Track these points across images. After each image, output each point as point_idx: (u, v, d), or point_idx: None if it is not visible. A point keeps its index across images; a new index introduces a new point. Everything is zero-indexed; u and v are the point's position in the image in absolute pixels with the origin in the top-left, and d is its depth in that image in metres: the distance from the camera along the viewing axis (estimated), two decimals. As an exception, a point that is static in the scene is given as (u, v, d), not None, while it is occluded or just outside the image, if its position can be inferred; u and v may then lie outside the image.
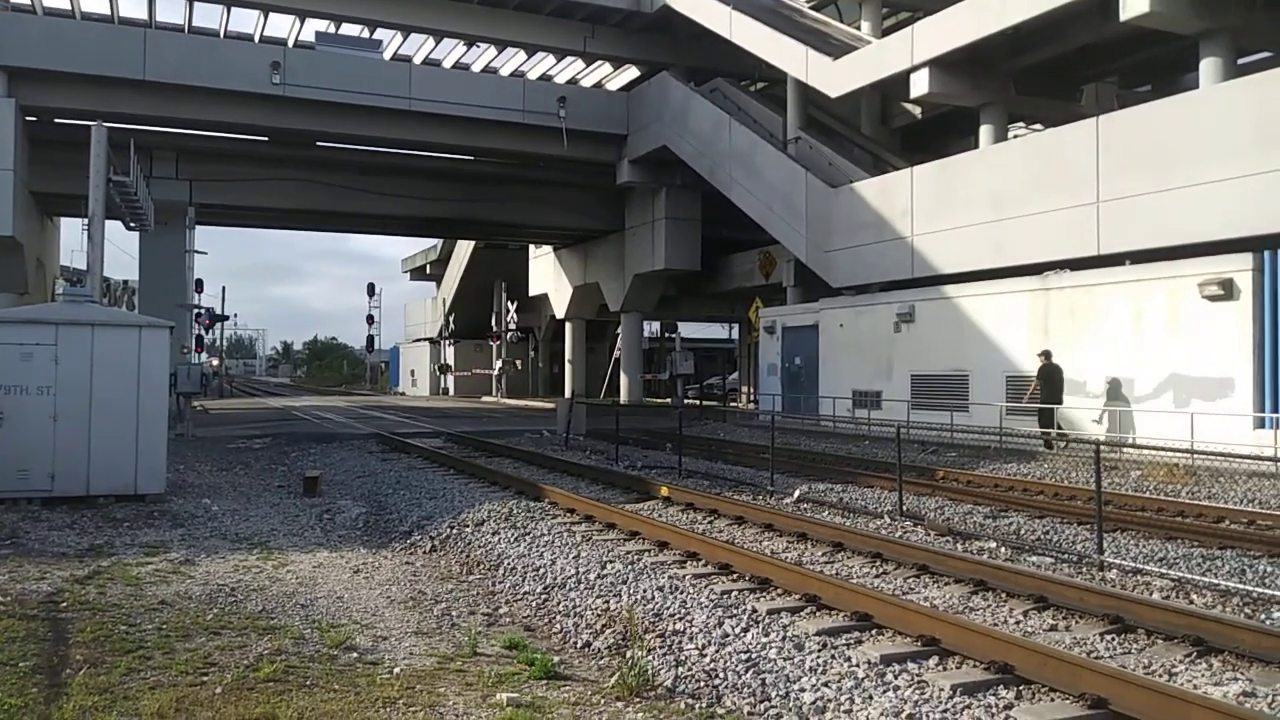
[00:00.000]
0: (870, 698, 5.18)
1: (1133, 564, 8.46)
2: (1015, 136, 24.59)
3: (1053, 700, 5.09)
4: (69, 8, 29.81)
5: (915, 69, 22.63)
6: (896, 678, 5.46)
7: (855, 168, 26.15)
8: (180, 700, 5.02)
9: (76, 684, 5.24)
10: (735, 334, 52.16)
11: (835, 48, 25.96)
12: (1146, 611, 6.57)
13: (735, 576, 7.93)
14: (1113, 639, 6.29)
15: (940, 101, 24.20)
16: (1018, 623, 6.74)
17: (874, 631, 6.35)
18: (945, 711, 4.97)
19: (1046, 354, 18.45)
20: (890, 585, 7.84)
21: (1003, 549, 9.43)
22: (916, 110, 28.68)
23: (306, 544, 10.02)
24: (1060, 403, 18.12)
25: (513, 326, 50.68)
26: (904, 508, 11.42)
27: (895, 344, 23.20)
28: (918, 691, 5.25)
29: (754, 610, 6.84)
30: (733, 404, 40.23)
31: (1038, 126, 26.60)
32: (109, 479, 11.84)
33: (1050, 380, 18.25)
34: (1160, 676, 5.52)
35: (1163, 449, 12.21)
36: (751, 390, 38.87)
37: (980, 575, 7.75)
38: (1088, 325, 18.45)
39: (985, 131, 22.82)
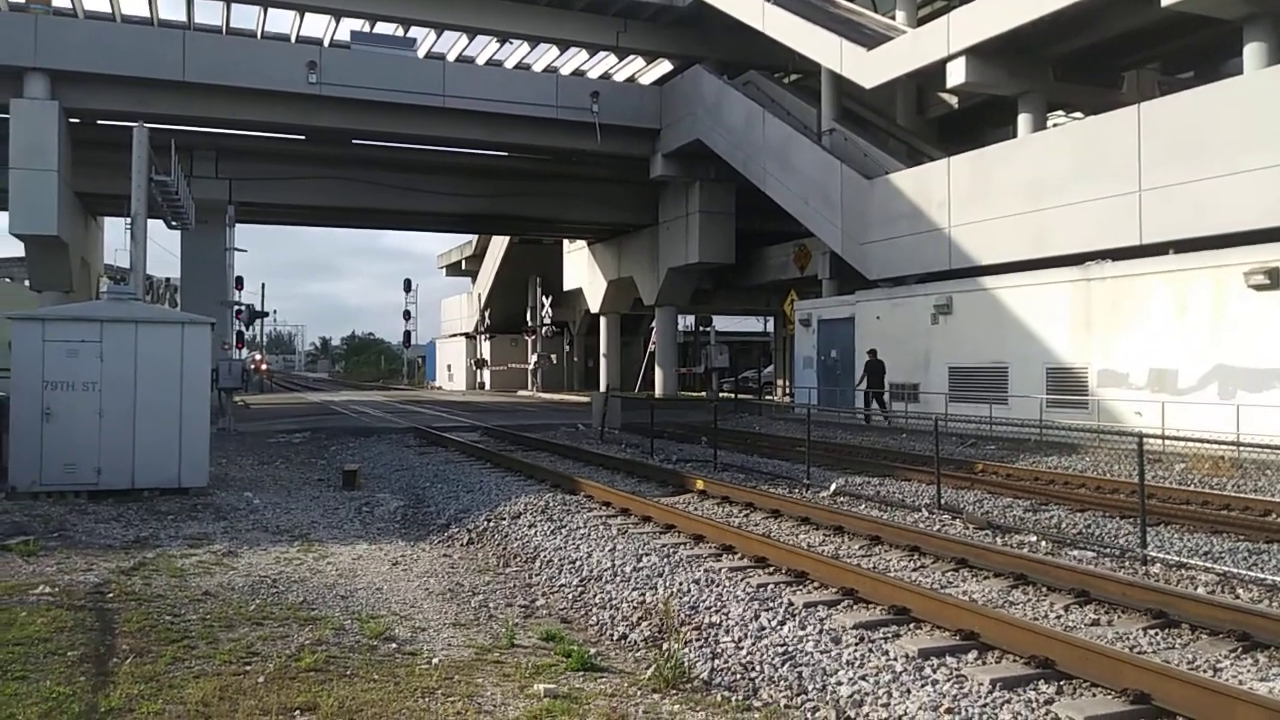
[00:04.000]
0: (908, 691, 5.14)
1: (1177, 558, 8.32)
2: (1054, 125, 24.21)
3: (1094, 695, 5.02)
4: (109, 11, 30.28)
5: (951, 58, 22.34)
6: (935, 672, 5.41)
7: (891, 159, 25.90)
8: (224, 689, 5.11)
9: (123, 673, 5.36)
10: (770, 327, 51.93)
11: (869, 38, 25.71)
12: (1191, 606, 6.46)
13: (771, 569, 7.90)
14: (1156, 634, 6.20)
15: (977, 91, 23.90)
16: (1059, 617, 6.66)
17: (912, 625, 6.30)
18: (985, 706, 4.92)
19: (872, 351, 23.80)
20: (928, 579, 7.77)
21: (1043, 543, 9.32)
22: (953, 100, 28.39)
23: (346, 536, 10.15)
24: (883, 389, 23.35)
25: (548, 321, 50.87)
26: (942, 501, 11.32)
27: (933, 336, 22.98)
28: (956, 686, 5.20)
29: (790, 603, 6.81)
30: (768, 397, 40.10)
31: (1077, 115, 26.18)
32: (153, 473, 12.05)
33: (873, 372, 23.52)
34: (1205, 672, 5.43)
35: (1208, 441, 11.95)
36: (787, 383, 38.70)
37: (1020, 569, 7.66)
38: (1131, 316, 18.15)
39: (1023, 120, 22.50)
